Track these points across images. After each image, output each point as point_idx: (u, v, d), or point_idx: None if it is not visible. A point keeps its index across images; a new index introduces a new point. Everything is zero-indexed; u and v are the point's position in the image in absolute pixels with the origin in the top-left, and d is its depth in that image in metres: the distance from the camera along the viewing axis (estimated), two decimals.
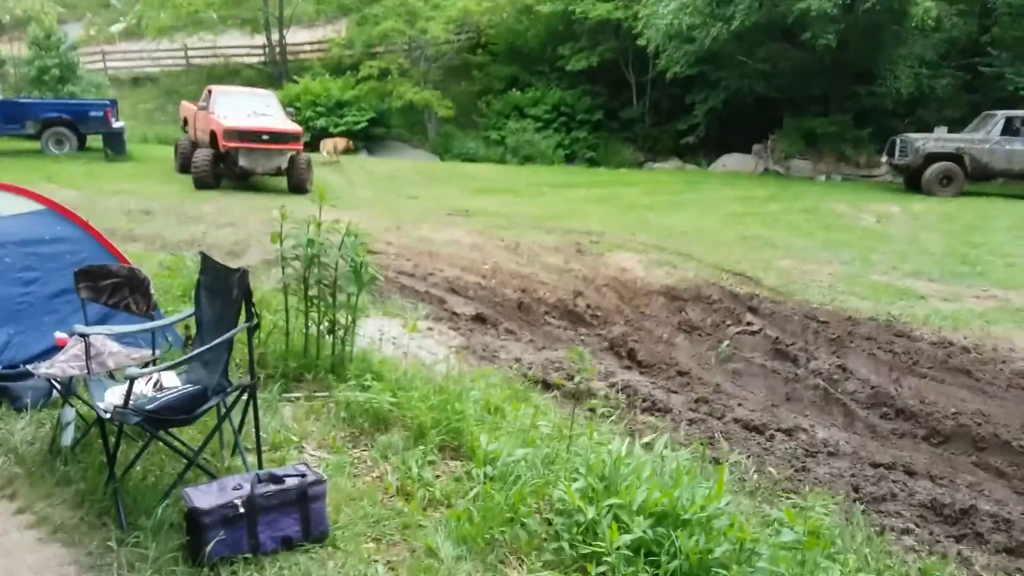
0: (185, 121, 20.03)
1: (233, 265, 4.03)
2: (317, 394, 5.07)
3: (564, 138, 28.40)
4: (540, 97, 29.09)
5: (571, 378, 7.49)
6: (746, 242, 13.98)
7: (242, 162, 16.11)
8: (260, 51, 34.21)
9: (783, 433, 7.21)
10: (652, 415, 7.18)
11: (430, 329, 9.41)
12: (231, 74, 32.92)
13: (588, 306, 10.34)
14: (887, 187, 22.91)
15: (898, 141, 21.01)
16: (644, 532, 3.13)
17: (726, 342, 9.12)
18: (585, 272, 11.49)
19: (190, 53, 34.06)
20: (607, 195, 19.27)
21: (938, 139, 20.52)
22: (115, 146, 20.52)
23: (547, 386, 7.41)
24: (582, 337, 9.65)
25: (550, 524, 3.55)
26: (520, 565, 3.38)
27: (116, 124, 20.80)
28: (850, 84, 25.08)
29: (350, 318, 5.36)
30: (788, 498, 5.42)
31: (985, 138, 19.92)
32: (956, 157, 19.97)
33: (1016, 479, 6.65)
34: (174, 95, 31.29)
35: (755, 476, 5.75)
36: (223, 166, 16.46)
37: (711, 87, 26.70)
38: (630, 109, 29.35)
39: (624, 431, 5.96)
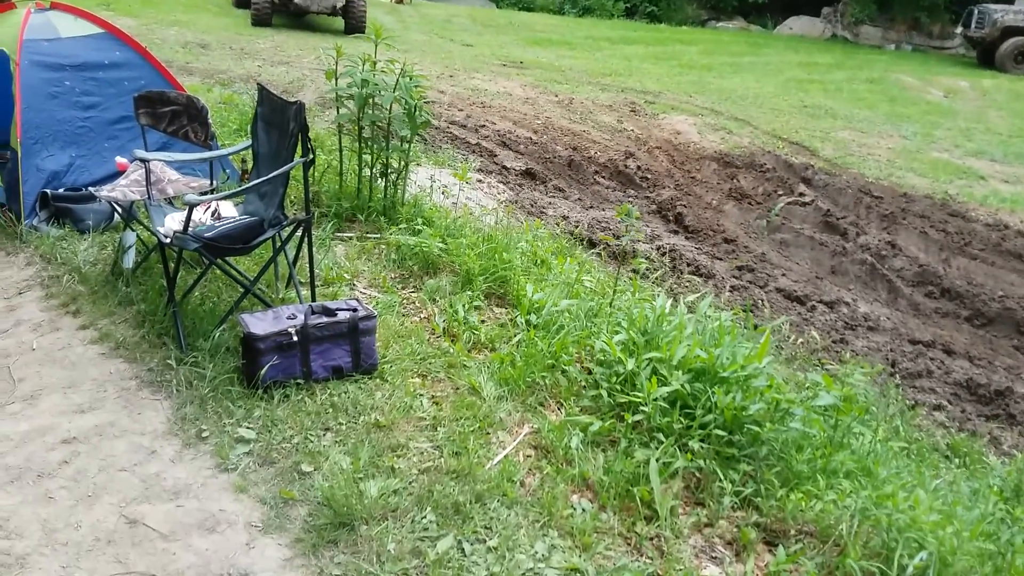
0: None
1: None
2: (369, 235, 5.16)
3: None
4: None
5: (617, 238, 7.50)
6: (806, 110, 13.54)
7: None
8: None
9: (825, 305, 7.22)
10: (695, 279, 7.21)
11: (480, 181, 9.40)
12: None
13: (639, 168, 10.19)
14: (959, 60, 21.81)
15: (976, 11, 19.86)
16: (682, 386, 3.22)
17: (779, 204, 9.00)
18: (638, 133, 11.26)
19: None
20: (666, 53, 18.59)
21: (1018, 11, 19.36)
22: None
23: (592, 245, 7.43)
24: (631, 199, 9.57)
25: (590, 373, 3.65)
26: (559, 408, 3.51)
27: None
28: None
29: (403, 162, 5.36)
30: (825, 368, 5.49)
31: None
32: None
33: None
34: None
35: (794, 343, 5.82)
36: (278, 2, 15.96)
37: None
38: None
39: (667, 292, 6.02)
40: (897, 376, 5.88)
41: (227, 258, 3.95)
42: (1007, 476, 4.03)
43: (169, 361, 3.63)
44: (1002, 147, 12.23)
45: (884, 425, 4.24)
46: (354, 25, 15.75)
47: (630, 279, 5.37)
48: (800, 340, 5.87)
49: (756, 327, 4.66)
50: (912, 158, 11.29)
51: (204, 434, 3.22)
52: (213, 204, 3.95)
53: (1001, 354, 6.70)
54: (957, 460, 4.70)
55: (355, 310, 3.63)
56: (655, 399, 3.21)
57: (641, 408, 3.21)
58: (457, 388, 3.62)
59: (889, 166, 10.86)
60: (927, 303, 7.60)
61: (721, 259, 8.10)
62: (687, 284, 6.94)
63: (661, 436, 3.14)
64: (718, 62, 17.54)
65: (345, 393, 3.49)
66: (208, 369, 3.50)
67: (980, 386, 5.98)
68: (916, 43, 24.15)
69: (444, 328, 4.11)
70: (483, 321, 4.22)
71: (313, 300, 4.02)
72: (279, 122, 3.81)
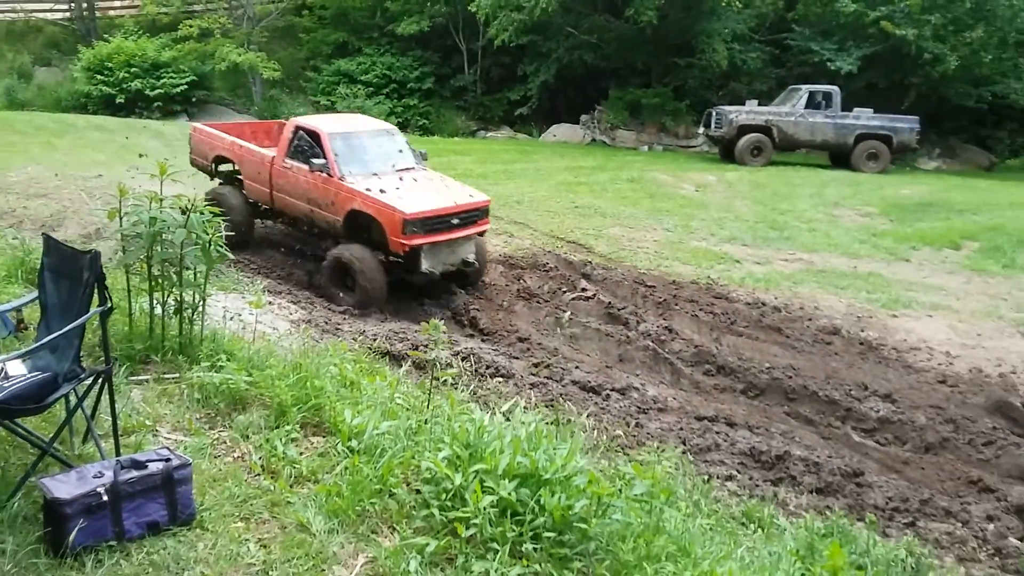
0: (218, 164, 11.70)
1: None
2: (167, 376, 4.95)
3: (396, 105, 28.14)
4: (370, 65, 28.66)
5: (415, 348, 7.62)
6: (577, 211, 14.52)
7: (426, 264, 9.61)
8: (65, 6, 31.59)
9: (617, 392, 7.71)
10: (497, 380, 7.46)
11: (270, 303, 9.24)
12: (33, 31, 30.25)
13: None
14: (704, 157, 24.32)
15: (713, 113, 22.30)
16: (509, 493, 3.35)
17: (567, 313, 9.50)
18: None
19: None
20: (441, 164, 19.22)
21: (749, 111, 21.93)
22: None
23: (392, 358, 7.51)
24: (424, 307, 9.80)
25: (418, 493, 3.70)
26: (392, 533, 3.52)
27: None
28: (670, 57, 26.29)
29: (198, 297, 5.24)
30: (625, 453, 5.84)
31: (791, 111, 21.51)
32: (765, 129, 21.47)
33: (823, 426, 7.45)
34: None
35: (595, 434, 6.14)
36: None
37: (542, 57, 27.22)
38: (461, 77, 29.44)
39: (471, 398, 6.19)
40: (689, 453, 6.35)
41: (17, 419, 3.66)
42: (798, 536, 4.46)
43: None
44: (750, 232, 13.72)
45: (684, 502, 4.58)
46: (474, 279, 10.62)
47: (440, 390, 5.50)
48: (598, 431, 6.20)
49: (558, 422, 4.93)
50: (676, 248, 12.39)
51: None
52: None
53: (775, 421, 7.42)
54: (753, 526, 5.13)
55: (168, 459, 3.48)
56: (484, 509, 3.31)
57: (473, 522, 3.30)
58: (284, 527, 3.54)
59: (657, 257, 11.86)
60: (706, 380, 8.29)
61: (518, 358, 8.43)
62: (489, 388, 7.16)
63: (496, 546, 3.24)
64: (492, 170, 18.47)
65: (164, 549, 3.32)
66: (8, 543, 3.20)
67: (762, 453, 6.58)
68: (666, 144, 26.75)
69: (262, 465, 4.02)
70: (302, 453, 4.16)
71: (117, 453, 3.80)
72: (70, 272, 3.66)
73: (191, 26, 27.13)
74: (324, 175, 9.78)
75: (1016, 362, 8.77)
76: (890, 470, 6.67)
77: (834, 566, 3.66)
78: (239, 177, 11.30)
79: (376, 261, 9.49)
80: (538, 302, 10.23)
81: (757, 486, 6.13)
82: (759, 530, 5.05)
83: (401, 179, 10.07)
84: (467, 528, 3.30)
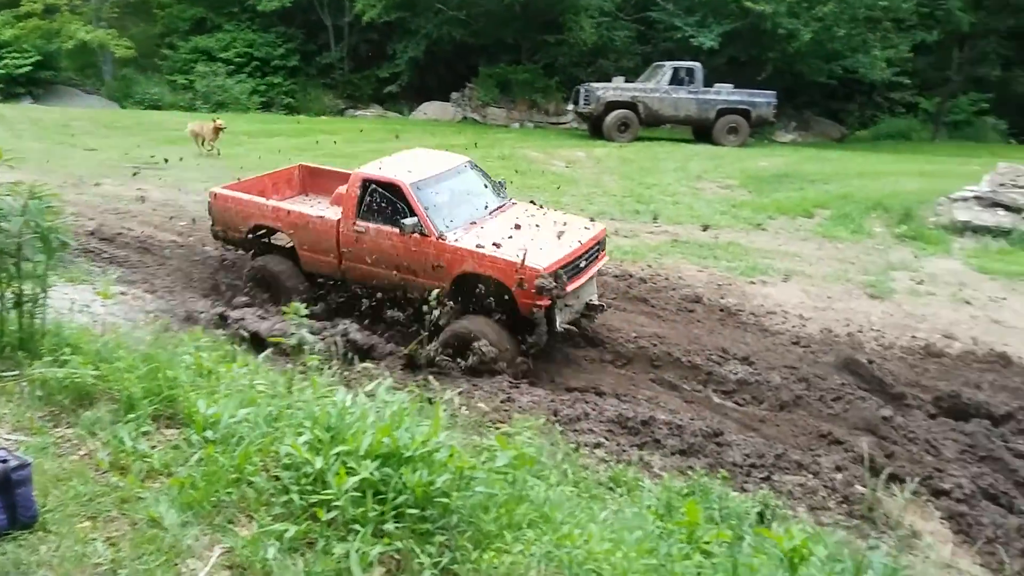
0: (256, 233, 9.63)
1: None
2: (5, 374, 4.65)
3: (259, 83, 27.30)
4: (230, 41, 27.61)
5: (281, 334, 7.44)
6: None
7: (559, 321, 8.09)
8: None
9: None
10: (367, 364, 7.38)
11: (123, 294, 8.88)
12: None
13: None
14: (573, 133, 24.67)
15: (582, 90, 22.58)
16: (371, 473, 3.32)
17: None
18: None
19: None
20: (309, 144, 18.90)
21: (616, 88, 22.32)
22: None
23: (257, 344, 7.32)
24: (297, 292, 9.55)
25: (278, 479, 3.61)
26: (250, 522, 3.43)
27: None
28: (539, 34, 26.48)
29: (38, 288, 4.94)
30: (496, 428, 5.90)
31: (656, 87, 22.01)
32: (632, 105, 21.90)
33: (686, 390, 7.74)
34: None
35: (465, 411, 6.17)
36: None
37: (411, 34, 26.91)
38: (328, 54, 28.79)
39: (340, 381, 6.10)
40: (559, 424, 6.48)
41: None
42: (660, 496, 4.63)
43: None
44: (618, 206, 14.04)
45: (553, 472, 4.67)
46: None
47: (303, 375, 5.38)
48: (469, 408, 6.24)
49: (431, 401, 4.93)
50: None
51: None
52: None
53: (642, 388, 7.67)
54: (619, 489, 5.28)
55: (5, 461, 3.28)
56: (346, 491, 3.27)
57: (334, 504, 3.25)
58: (135, 524, 3.39)
59: None
60: (576, 353, 8.46)
61: (390, 341, 8.36)
62: (360, 371, 7.07)
63: (357, 526, 3.21)
64: (362, 150, 18.10)
65: (3, 555, 3.13)
66: None
67: (629, 419, 6.79)
68: (536, 121, 26.99)
69: (110, 462, 3.83)
70: (154, 446, 3.99)
71: None
72: None
73: (35, 1, 25.40)
74: (417, 235, 8.21)
75: (863, 321, 9.37)
76: (748, 428, 7.01)
77: (690, 521, 3.83)
78: (268, 242, 9.67)
79: (498, 327, 7.98)
80: None
81: (624, 451, 6.32)
82: (626, 494, 5.20)
83: (514, 227, 8.48)
84: (328, 511, 3.26)
